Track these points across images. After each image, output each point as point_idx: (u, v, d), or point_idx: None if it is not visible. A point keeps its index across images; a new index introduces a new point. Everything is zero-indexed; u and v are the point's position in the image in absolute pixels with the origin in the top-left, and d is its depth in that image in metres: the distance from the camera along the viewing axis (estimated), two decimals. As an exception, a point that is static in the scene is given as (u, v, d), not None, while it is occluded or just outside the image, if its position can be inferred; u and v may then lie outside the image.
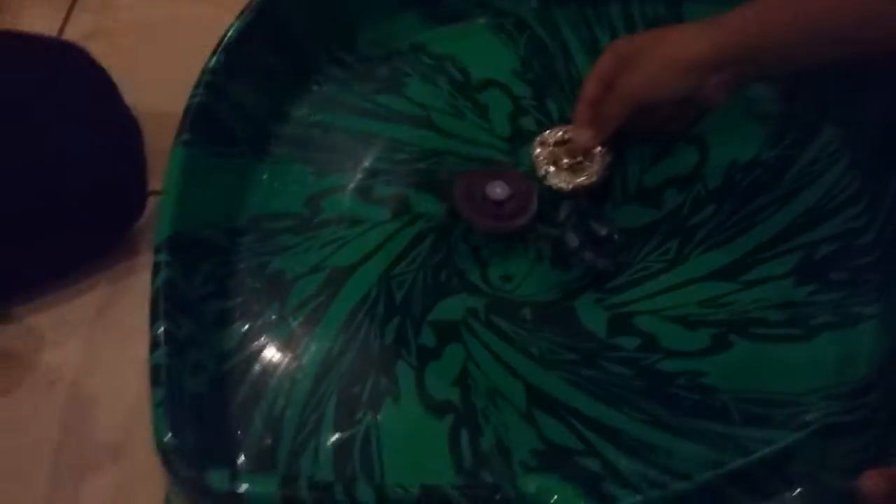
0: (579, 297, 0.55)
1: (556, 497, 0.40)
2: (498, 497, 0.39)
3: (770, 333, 0.53)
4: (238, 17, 0.58)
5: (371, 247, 0.57)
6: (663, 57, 0.53)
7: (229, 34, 0.57)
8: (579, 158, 0.58)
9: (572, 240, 0.54)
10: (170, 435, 0.40)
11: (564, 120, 0.62)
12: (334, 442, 0.49)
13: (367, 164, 0.61)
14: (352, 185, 0.60)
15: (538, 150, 0.59)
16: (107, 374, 0.58)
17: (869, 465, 0.38)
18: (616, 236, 0.56)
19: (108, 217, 0.60)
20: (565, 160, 0.58)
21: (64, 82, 0.59)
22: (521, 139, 0.62)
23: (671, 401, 0.50)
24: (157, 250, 0.47)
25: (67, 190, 0.56)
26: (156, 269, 0.46)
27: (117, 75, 0.63)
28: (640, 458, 0.48)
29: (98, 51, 0.63)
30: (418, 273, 0.56)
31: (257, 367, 0.51)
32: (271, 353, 0.52)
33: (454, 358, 0.53)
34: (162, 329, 0.44)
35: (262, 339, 0.52)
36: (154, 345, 0.43)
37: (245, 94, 0.58)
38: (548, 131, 0.60)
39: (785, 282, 0.54)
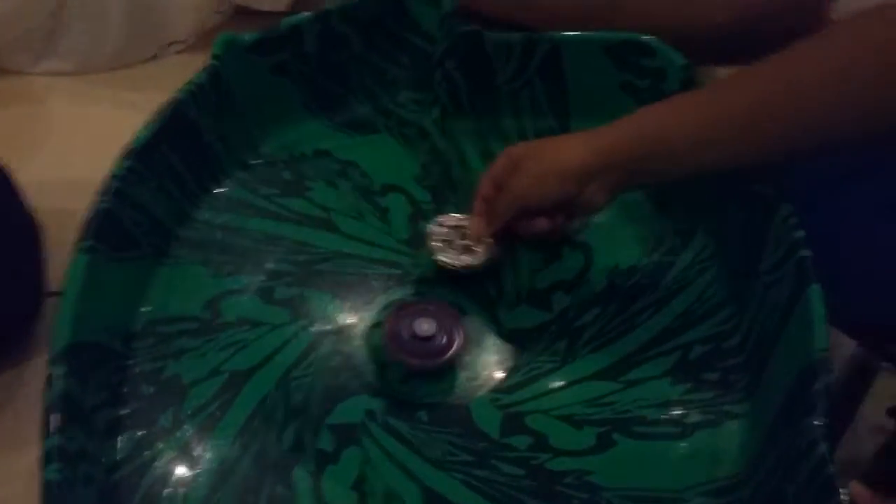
0: (474, 397, 0.57)
1: None
2: None
3: (650, 432, 0.56)
4: (147, 124, 0.59)
5: (270, 349, 0.58)
6: (546, 163, 0.58)
7: (138, 140, 0.58)
8: (469, 243, 0.63)
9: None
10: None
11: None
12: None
13: (268, 265, 0.63)
14: (252, 287, 0.61)
15: (433, 229, 0.64)
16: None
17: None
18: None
19: (1, 322, 0.58)
20: (458, 241, 0.63)
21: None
22: (420, 241, 0.65)
23: (560, 500, 0.52)
24: (52, 362, 0.46)
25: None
26: (49, 381, 0.45)
27: (19, 172, 0.62)
28: (530, 560, 0.50)
29: (4, 148, 0.62)
30: (318, 375, 0.57)
31: (148, 478, 0.50)
32: (164, 462, 0.51)
33: (352, 462, 0.53)
34: (56, 444, 0.43)
35: (155, 447, 0.52)
36: (46, 460, 0.42)
37: (150, 197, 0.59)
38: (445, 216, 0.64)
39: (662, 381, 0.58)
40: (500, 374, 0.59)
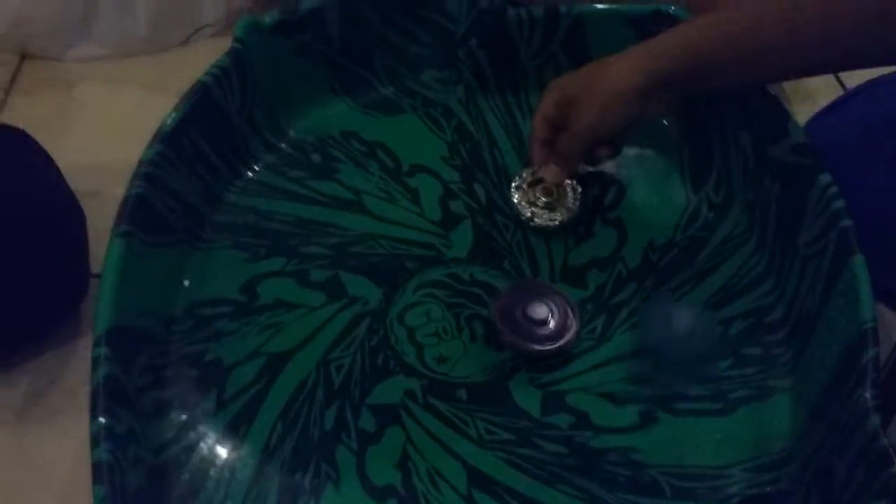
0: (513, 377, 0.57)
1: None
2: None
3: (692, 408, 0.55)
4: (175, 108, 0.58)
5: (308, 332, 0.58)
6: (604, 94, 0.58)
7: (166, 124, 0.57)
8: (553, 195, 0.64)
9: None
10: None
11: (491, 202, 0.66)
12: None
13: (301, 248, 0.62)
14: (287, 270, 0.61)
15: (516, 196, 0.64)
16: (35, 467, 0.56)
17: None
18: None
19: (47, 302, 0.58)
20: (542, 198, 0.64)
21: (6, 166, 0.58)
22: (451, 222, 0.64)
23: (604, 477, 0.52)
24: (95, 344, 0.46)
25: (5, 273, 0.54)
26: (95, 363, 0.45)
27: (56, 157, 0.62)
28: (578, 536, 0.49)
29: (40, 134, 0.62)
30: (356, 356, 0.57)
31: (195, 458, 0.50)
32: (210, 443, 0.51)
33: (394, 441, 0.53)
34: (103, 425, 0.43)
35: (200, 428, 0.52)
36: (94, 441, 0.42)
37: (181, 182, 0.58)
38: (519, 177, 0.65)
39: (704, 357, 0.58)
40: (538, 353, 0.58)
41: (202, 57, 0.63)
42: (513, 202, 0.64)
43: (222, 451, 0.51)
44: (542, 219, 0.63)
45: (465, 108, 0.72)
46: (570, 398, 0.56)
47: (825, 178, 0.57)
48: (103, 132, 0.74)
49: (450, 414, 0.55)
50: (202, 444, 0.51)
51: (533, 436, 0.54)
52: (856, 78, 0.71)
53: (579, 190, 0.64)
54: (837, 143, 0.60)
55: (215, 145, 0.62)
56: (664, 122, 0.69)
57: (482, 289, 0.61)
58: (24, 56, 0.81)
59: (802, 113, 0.70)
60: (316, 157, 0.68)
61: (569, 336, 0.57)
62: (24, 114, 0.75)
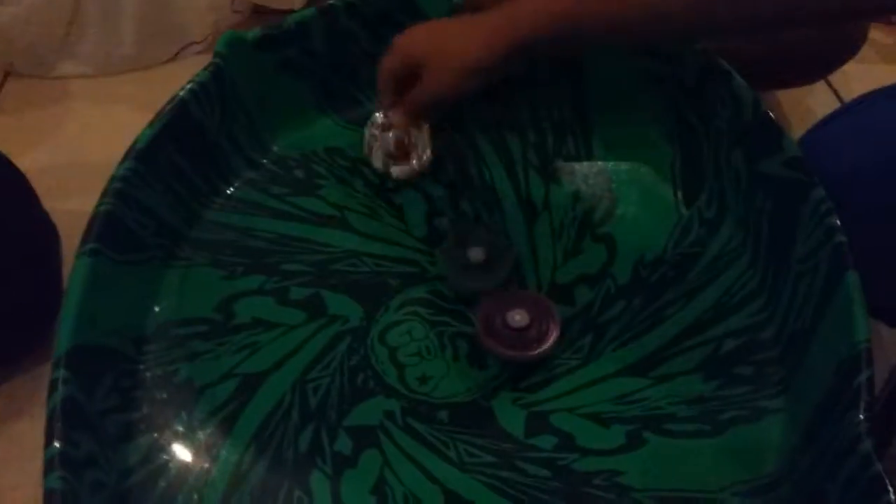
0: (496, 397, 0.55)
1: None
2: None
3: (681, 429, 0.53)
4: (150, 124, 0.58)
5: (286, 351, 0.56)
6: (458, 59, 0.56)
7: (140, 140, 0.56)
8: (405, 143, 0.63)
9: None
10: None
11: (481, 220, 0.64)
12: (244, 562, 0.46)
13: (282, 265, 0.61)
14: (266, 288, 0.60)
15: (367, 136, 0.64)
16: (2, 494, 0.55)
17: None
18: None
19: (16, 324, 0.57)
20: (392, 146, 0.63)
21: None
22: (437, 239, 0.63)
23: (588, 502, 0.50)
24: (54, 366, 0.45)
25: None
26: (52, 386, 0.44)
27: (38, 174, 0.62)
28: (559, 564, 0.47)
29: (22, 150, 0.62)
30: (334, 377, 0.56)
31: (162, 483, 0.49)
32: (178, 467, 0.50)
33: (371, 465, 0.51)
34: (57, 451, 0.42)
35: (169, 452, 0.50)
36: (48, 468, 0.41)
37: (156, 199, 0.57)
38: (371, 123, 0.64)
39: (693, 377, 0.56)
40: (522, 373, 0.56)
41: (189, 74, 0.62)
42: (365, 146, 0.63)
43: (191, 476, 0.50)
44: (396, 171, 0.63)
45: (452, 123, 0.71)
46: (554, 418, 0.54)
47: (818, 192, 0.55)
48: (86, 150, 0.74)
49: (430, 436, 0.53)
50: (170, 468, 0.50)
51: (516, 458, 0.52)
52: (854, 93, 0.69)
53: (428, 142, 0.63)
54: (829, 158, 0.58)
55: (193, 161, 0.61)
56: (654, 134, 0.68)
57: (467, 306, 0.59)
58: (7, 73, 0.81)
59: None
60: (299, 174, 0.67)
61: (547, 345, 0.55)
62: (6, 130, 0.75)
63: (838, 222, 0.53)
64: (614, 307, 0.60)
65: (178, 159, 0.60)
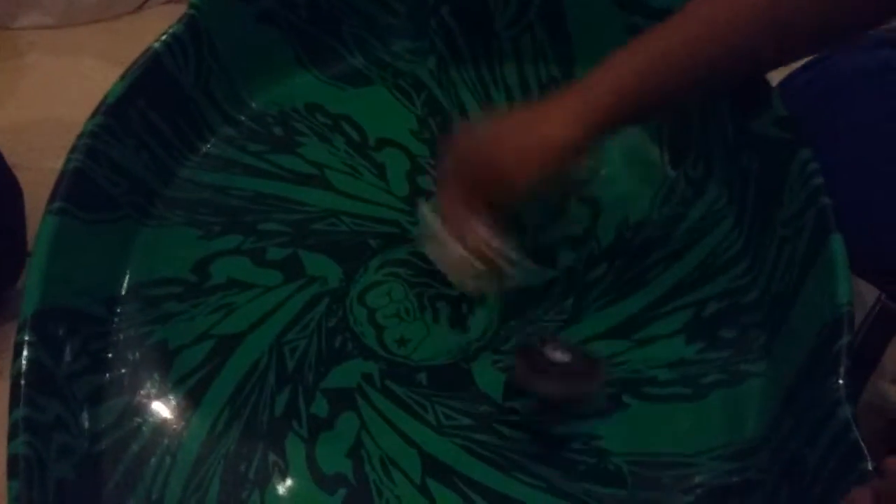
0: (476, 359, 0.55)
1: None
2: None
3: (662, 393, 0.53)
4: (121, 77, 0.56)
5: (262, 313, 0.56)
6: (527, 151, 0.50)
7: (110, 95, 0.55)
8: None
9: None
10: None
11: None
12: (217, 525, 0.46)
13: (259, 225, 0.60)
14: (243, 248, 0.59)
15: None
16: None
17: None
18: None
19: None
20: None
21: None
22: (419, 198, 0.62)
23: (566, 465, 0.50)
24: (20, 329, 0.44)
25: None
26: (17, 350, 0.43)
27: (1, 128, 0.60)
28: (534, 527, 0.47)
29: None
30: (312, 339, 0.55)
31: (135, 447, 0.48)
32: (151, 430, 0.49)
33: (348, 428, 0.51)
34: (21, 416, 0.41)
35: (141, 415, 0.50)
36: (13, 433, 0.40)
37: (128, 156, 0.56)
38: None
39: (676, 340, 0.55)
40: (503, 335, 0.56)
41: (157, 26, 0.61)
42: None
43: (164, 439, 0.49)
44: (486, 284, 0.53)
45: (436, 80, 0.69)
46: (534, 382, 0.54)
47: (805, 153, 0.54)
48: (49, 104, 0.72)
49: (408, 398, 0.53)
50: (143, 431, 0.49)
51: (494, 421, 0.52)
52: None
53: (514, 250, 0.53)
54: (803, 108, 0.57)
55: (167, 117, 0.59)
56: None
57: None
58: (-31, 25, 0.78)
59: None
60: (278, 131, 0.65)
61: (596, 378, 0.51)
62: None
63: (823, 183, 0.52)
64: (597, 269, 0.59)
65: (151, 115, 0.58)
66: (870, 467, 0.40)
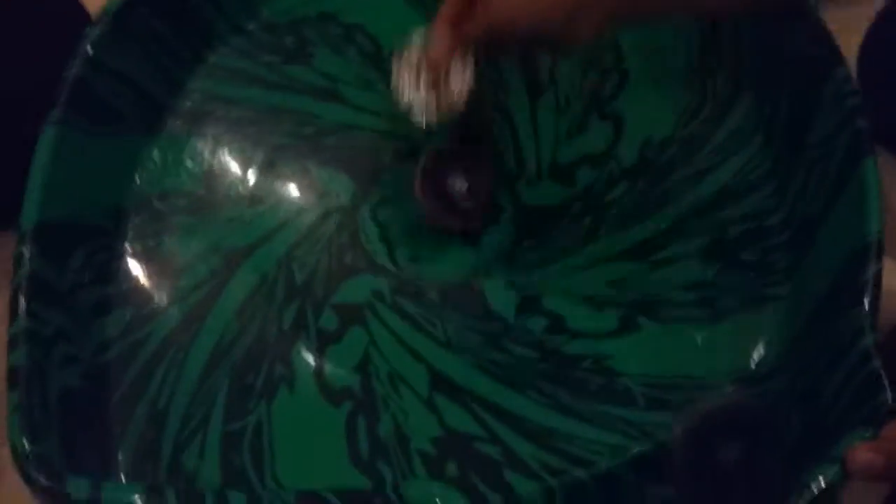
0: (489, 277, 0.54)
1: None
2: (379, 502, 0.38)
3: (677, 315, 0.52)
4: (123, -17, 0.54)
5: (272, 226, 0.55)
6: None
7: (113, 2, 0.53)
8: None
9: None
10: (27, 443, 0.38)
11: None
12: (223, 435, 0.47)
13: (270, 138, 0.58)
14: (254, 162, 0.57)
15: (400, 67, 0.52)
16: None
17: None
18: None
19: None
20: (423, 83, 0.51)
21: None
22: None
23: (575, 385, 0.49)
24: (20, 241, 0.43)
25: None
26: (16, 262, 0.42)
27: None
28: (541, 445, 0.47)
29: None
30: (322, 254, 0.54)
31: (142, 357, 0.48)
32: (157, 341, 0.49)
33: (356, 342, 0.51)
34: (22, 328, 0.41)
35: (148, 326, 0.50)
36: (12, 344, 0.40)
37: (133, 66, 0.54)
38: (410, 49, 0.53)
39: (694, 262, 0.54)
40: (517, 254, 0.54)
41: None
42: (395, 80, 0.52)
43: (171, 349, 0.49)
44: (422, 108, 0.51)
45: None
46: (547, 301, 0.53)
47: (842, 71, 0.51)
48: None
49: (418, 315, 0.52)
50: (150, 341, 0.49)
51: (504, 339, 0.51)
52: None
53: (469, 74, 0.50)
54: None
55: (173, 26, 0.57)
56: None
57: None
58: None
59: None
60: (289, 41, 0.63)
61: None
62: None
63: (860, 104, 0.49)
64: (617, 188, 0.57)
65: (156, 23, 0.56)
66: (889, 397, 0.39)
